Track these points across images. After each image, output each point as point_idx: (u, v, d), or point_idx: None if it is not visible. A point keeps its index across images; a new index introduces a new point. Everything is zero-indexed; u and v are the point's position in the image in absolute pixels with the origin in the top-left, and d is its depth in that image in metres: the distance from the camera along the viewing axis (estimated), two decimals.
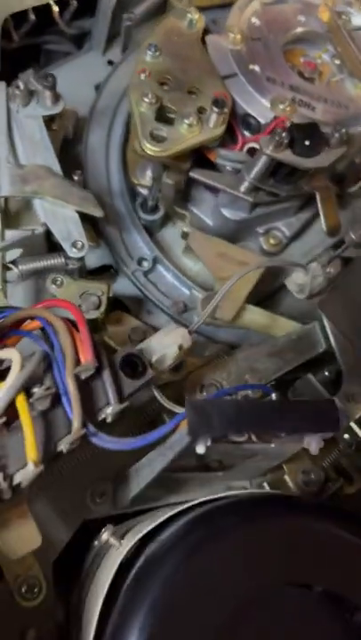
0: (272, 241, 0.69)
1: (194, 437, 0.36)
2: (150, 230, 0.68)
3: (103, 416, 0.41)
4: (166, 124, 0.56)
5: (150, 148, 0.55)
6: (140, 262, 0.65)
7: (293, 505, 0.41)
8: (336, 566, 0.38)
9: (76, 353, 0.41)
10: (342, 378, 0.58)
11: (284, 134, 0.56)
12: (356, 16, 0.69)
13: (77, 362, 0.41)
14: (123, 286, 0.66)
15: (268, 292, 0.69)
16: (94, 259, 0.65)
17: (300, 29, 0.67)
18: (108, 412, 0.41)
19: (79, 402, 0.39)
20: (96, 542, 0.52)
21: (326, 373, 0.58)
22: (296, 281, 0.60)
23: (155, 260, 0.66)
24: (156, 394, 0.45)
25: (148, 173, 0.64)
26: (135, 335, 0.60)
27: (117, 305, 0.65)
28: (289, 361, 0.58)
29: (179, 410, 0.45)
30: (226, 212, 0.65)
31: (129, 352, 0.44)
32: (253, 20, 0.65)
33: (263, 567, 0.36)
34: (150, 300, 0.65)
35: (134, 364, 0.44)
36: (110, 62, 0.76)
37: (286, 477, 0.56)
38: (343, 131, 0.59)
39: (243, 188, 0.62)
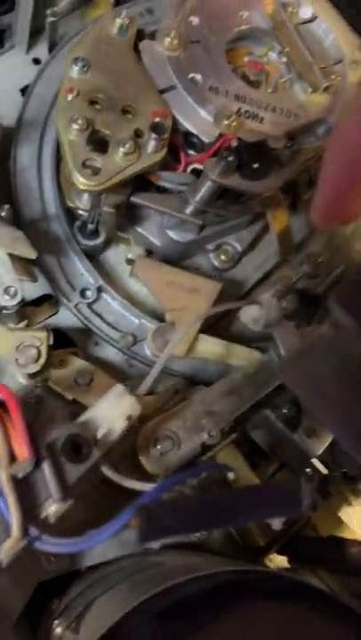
0: (223, 257, 0.65)
1: (146, 544, 0.33)
2: (92, 254, 0.63)
3: (45, 514, 0.37)
4: (100, 154, 0.50)
5: (83, 182, 0.49)
6: (82, 293, 0.60)
7: (280, 591, 0.38)
8: None
9: (9, 442, 0.37)
10: (302, 412, 0.56)
11: (230, 158, 0.51)
12: (304, 8, 0.63)
13: (11, 455, 0.37)
14: (66, 318, 0.61)
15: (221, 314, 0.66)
16: (32, 289, 0.60)
17: (243, 27, 0.61)
18: (51, 513, 0.37)
19: (18, 507, 0.35)
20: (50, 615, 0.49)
21: (285, 411, 0.55)
22: (250, 314, 0.56)
23: (99, 289, 0.61)
24: (107, 472, 0.41)
25: (86, 197, 0.58)
26: (82, 379, 0.56)
27: (61, 336, 0.61)
28: (246, 398, 0.55)
29: (136, 486, 0.41)
30: (172, 234, 0.61)
31: (71, 433, 0.40)
32: (191, 18, 0.59)
33: None
34: (97, 334, 0.60)
35: (78, 446, 0.40)
36: (36, 61, 0.69)
37: None
38: (295, 147, 0.54)
39: (188, 210, 0.57)
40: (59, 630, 0.41)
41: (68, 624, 0.41)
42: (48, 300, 0.62)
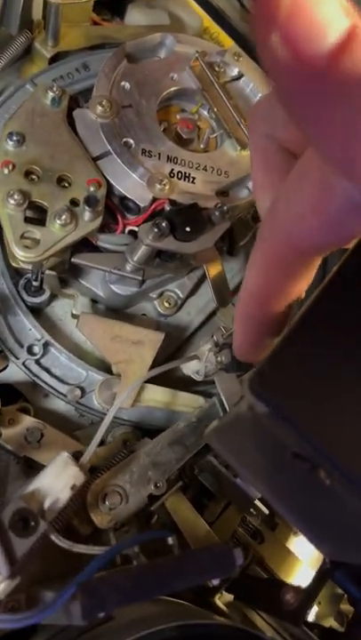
0: (166, 304, 0.68)
1: (88, 620, 0.36)
2: (38, 309, 0.65)
3: None
4: (38, 226, 0.52)
5: (23, 255, 0.51)
6: (30, 350, 0.62)
7: None
8: None
9: None
10: None
11: (164, 224, 0.54)
12: (231, 67, 0.66)
13: None
14: (14, 372, 0.63)
15: (168, 353, 0.69)
16: None
17: (172, 89, 0.63)
18: (0, 590, 0.39)
19: None
20: None
21: None
22: (190, 367, 0.59)
23: (45, 345, 0.63)
24: (56, 540, 0.43)
25: None
26: (32, 437, 0.58)
27: (10, 388, 0.62)
28: (190, 447, 0.58)
29: (85, 550, 0.43)
30: (115, 288, 0.63)
31: (18, 508, 0.42)
32: (123, 83, 0.61)
33: None
34: (45, 389, 0.62)
35: (25, 519, 0.42)
36: None
37: None
38: (225, 208, 0.57)
39: (128, 268, 0.60)
40: None
41: None
42: None
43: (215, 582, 0.40)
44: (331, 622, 0.61)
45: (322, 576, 0.46)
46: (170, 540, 0.41)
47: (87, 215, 0.53)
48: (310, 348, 0.37)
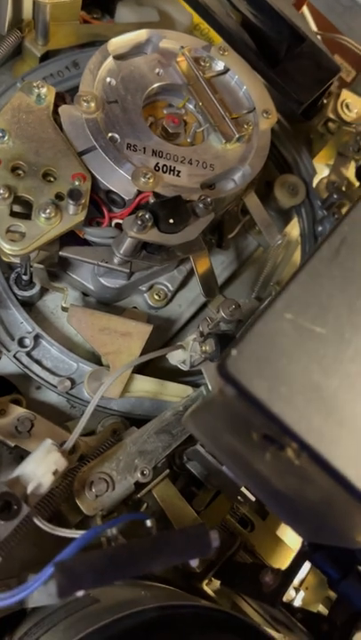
0: (156, 297, 0.69)
1: (64, 597, 0.37)
2: (29, 302, 0.66)
3: None
4: (23, 219, 0.53)
5: (8, 249, 0.53)
6: (20, 342, 0.64)
7: (206, 624, 0.42)
8: None
9: None
10: None
11: (147, 216, 0.55)
12: (217, 61, 0.67)
13: None
14: (6, 365, 0.64)
15: (160, 345, 0.70)
16: None
17: (157, 84, 0.64)
18: None
19: None
20: None
21: None
22: (176, 357, 0.60)
23: (36, 337, 0.64)
24: (38, 524, 0.44)
25: None
26: (22, 426, 0.59)
27: (3, 381, 0.64)
28: (177, 435, 0.59)
29: (66, 534, 0.45)
30: (104, 281, 0.64)
31: (1, 492, 0.43)
32: (108, 79, 0.62)
33: None
34: (36, 380, 0.63)
35: (8, 503, 0.43)
36: None
37: None
38: (208, 200, 0.58)
39: (116, 260, 0.61)
40: None
41: None
42: None
43: (194, 564, 0.41)
44: (319, 608, 0.62)
45: (300, 558, 0.46)
46: (148, 523, 0.42)
47: (71, 208, 0.54)
48: (276, 333, 0.38)
